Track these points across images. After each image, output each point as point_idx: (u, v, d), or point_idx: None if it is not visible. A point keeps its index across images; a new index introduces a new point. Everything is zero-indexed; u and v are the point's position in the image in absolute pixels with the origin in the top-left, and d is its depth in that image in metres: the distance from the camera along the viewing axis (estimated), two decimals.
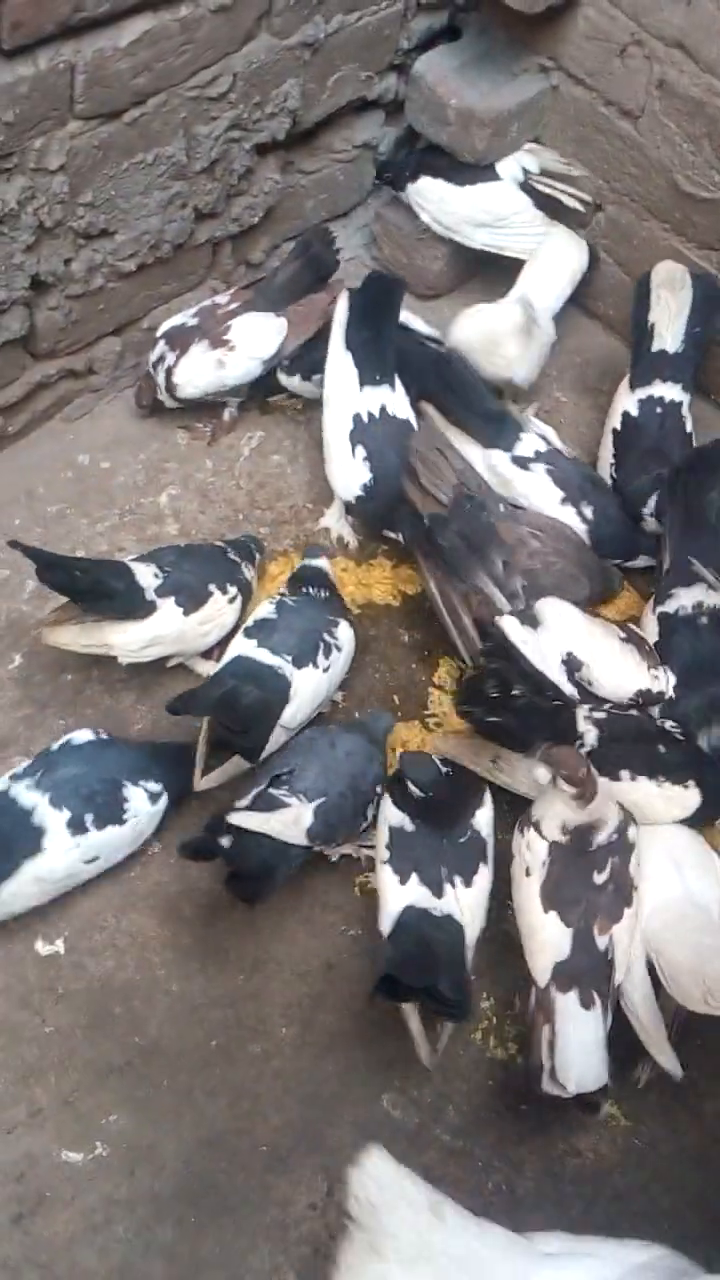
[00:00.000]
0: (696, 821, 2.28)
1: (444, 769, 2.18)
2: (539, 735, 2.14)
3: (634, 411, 2.69)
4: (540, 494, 2.61)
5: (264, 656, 2.30)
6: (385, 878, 2.08)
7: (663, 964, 2.03)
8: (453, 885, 2.06)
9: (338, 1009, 2.19)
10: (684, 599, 2.45)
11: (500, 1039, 2.20)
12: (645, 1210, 2.05)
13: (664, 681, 2.36)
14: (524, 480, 2.61)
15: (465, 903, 2.06)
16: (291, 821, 2.13)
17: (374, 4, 2.77)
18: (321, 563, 2.53)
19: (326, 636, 2.36)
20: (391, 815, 2.14)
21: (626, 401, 2.71)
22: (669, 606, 2.46)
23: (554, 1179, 2.08)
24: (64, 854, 2.09)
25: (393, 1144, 2.00)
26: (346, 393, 2.65)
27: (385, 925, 2.04)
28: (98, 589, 2.26)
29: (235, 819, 2.11)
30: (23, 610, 2.53)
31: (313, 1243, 1.99)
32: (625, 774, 2.24)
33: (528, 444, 2.65)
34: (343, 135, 3.00)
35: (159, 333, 2.73)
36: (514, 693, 2.12)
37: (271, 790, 2.18)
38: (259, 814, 2.12)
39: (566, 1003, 1.98)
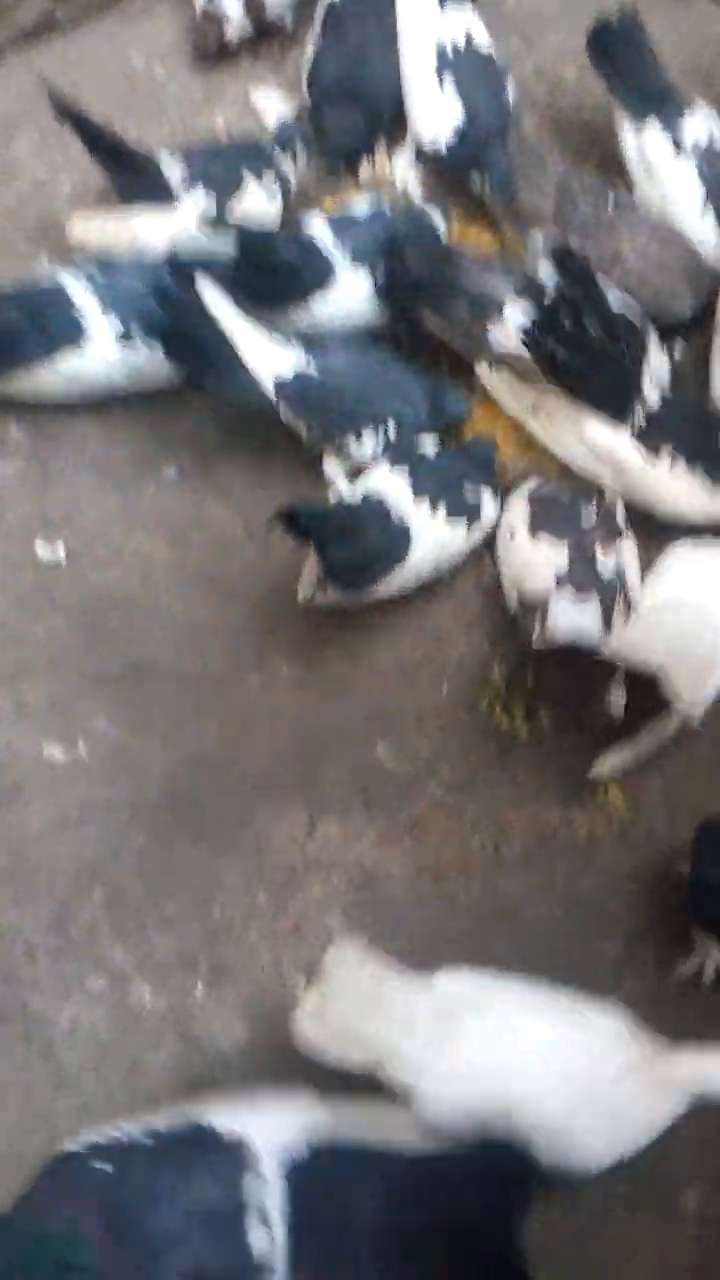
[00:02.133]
0: None
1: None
2: (601, 385, 1.97)
3: None
4: (681, 191, 2.27)
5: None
6: None
7: None
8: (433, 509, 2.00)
9: (344, 652, 2.10)
10: None
11: (507, 712, 2.09)
12: (631, 891, 1.98)
13: None
14: (670, 168, 2.27)
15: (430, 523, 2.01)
16: (269, 362, 2.00)
17: None
18: None
19: None
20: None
21: None
22: None
23: (542, 846, 2.01)
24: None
25: (384, 791, 1.98)
26: (425, 16, 2.36)
27: None
28: (117, 155, 2.14)
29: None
30: (58, 215, 2.32)
31: (287, 871, 1.94)
32: (665, 450, 2.06)
33: (692, 128, 2.28)
34: None
35: None
36: (587, 331, 1.92)
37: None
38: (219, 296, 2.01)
39: (561, 597, 1.92)
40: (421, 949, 1.81)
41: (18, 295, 2.06)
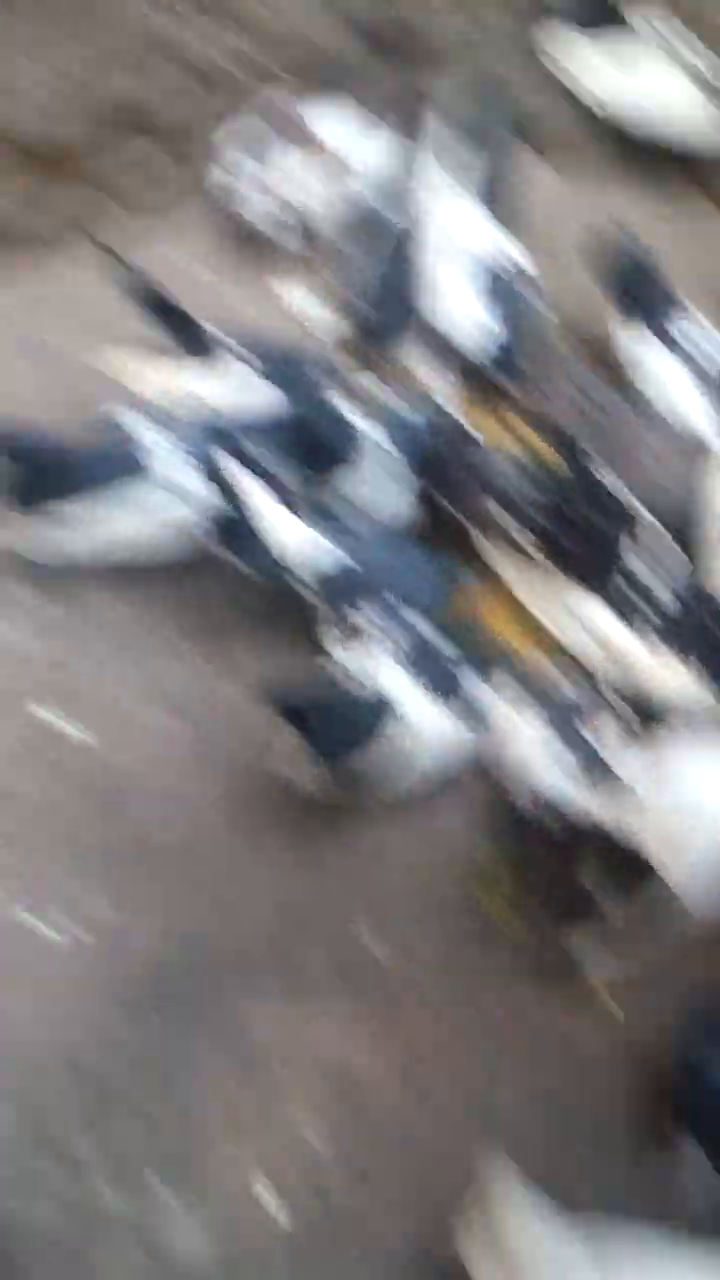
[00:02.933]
0: None
1: None
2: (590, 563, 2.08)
3: None
4: (673, 387, 2.34)
5: None
6: None
7: None
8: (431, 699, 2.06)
9: (328, 825, 2.09)
10: None
11: (497, 897, 2.05)
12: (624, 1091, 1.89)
13: None
14: (657, 365, 2.34)
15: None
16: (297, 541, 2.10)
17: None
18: None
19: None
20: None
21: None
22: None
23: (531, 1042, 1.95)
24: None
25: (366, 974, 1.95)
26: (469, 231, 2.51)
27: None
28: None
29: None
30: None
31: (261, 1059, 1.90)
32: (671, 645, 2.08)
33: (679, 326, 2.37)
34: None
35: None
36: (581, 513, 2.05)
37: None
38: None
39: (549, 773, 2.00)
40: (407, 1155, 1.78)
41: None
